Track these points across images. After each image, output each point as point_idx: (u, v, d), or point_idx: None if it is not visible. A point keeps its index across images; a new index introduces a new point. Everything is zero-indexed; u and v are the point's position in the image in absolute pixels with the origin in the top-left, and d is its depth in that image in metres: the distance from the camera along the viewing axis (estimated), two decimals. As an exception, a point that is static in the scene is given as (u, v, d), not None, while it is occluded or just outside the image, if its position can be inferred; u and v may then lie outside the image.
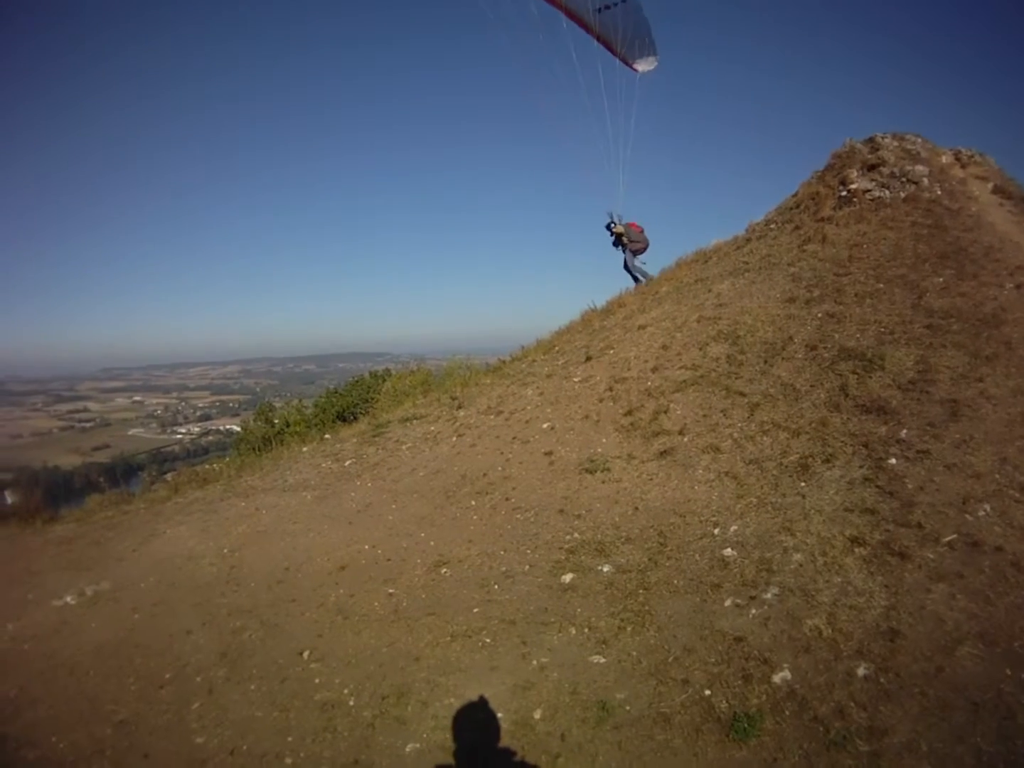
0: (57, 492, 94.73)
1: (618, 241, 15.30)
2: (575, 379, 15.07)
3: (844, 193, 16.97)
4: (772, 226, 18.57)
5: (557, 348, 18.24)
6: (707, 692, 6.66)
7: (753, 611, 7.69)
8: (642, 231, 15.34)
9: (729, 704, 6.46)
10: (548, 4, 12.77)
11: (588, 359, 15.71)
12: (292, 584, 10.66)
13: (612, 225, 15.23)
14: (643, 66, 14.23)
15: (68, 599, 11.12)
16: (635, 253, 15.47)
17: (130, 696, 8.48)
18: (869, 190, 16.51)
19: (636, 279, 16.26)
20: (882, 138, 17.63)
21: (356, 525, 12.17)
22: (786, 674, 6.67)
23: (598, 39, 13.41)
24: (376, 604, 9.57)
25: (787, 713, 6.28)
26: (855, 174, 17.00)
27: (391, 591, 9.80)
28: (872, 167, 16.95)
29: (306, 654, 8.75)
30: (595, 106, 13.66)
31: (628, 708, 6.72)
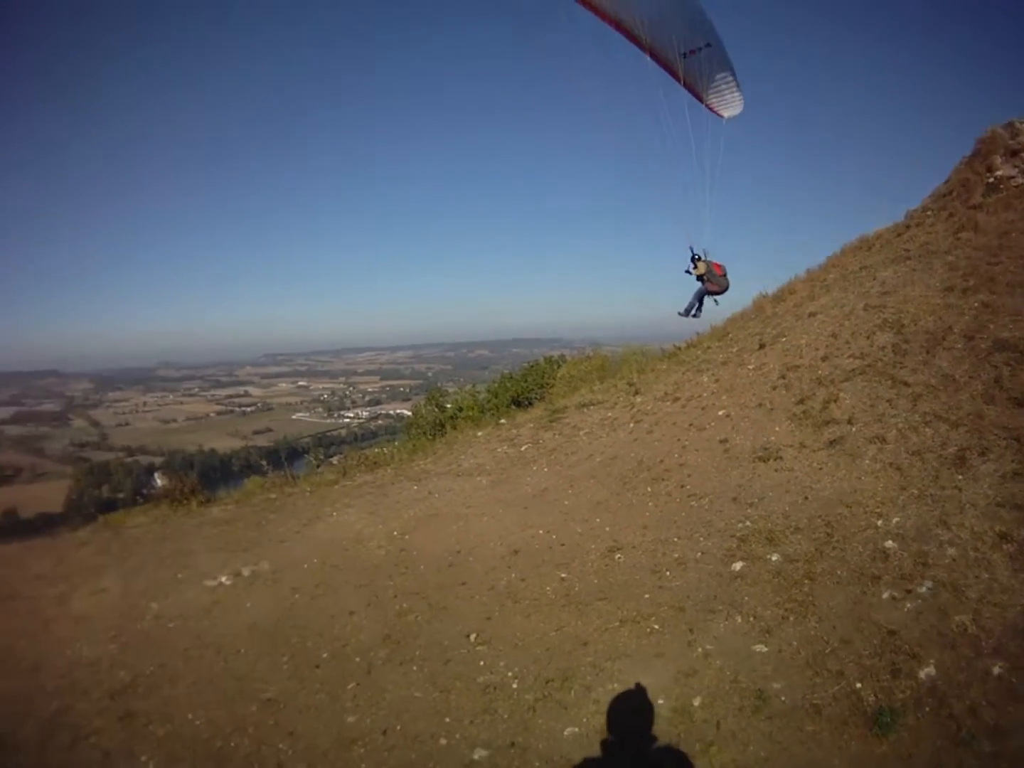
0: (214, 475, 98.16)
1: (699, 279, 14.96)
2: (749, 366, 15.19)
3: (991, 180, 16.62)
4: (928, 213, 18.29)
5: (731, 335, 18.38)
6: (858, 685, 6.71)
7: (908, 605, 7.68)
8: (724, 274, 14.68)
9: (876, 698, 6.50)
10: (634, 46, 12.63)
11: (761, 346, 15.82)
12: (463, 567, 10.84)
13: (695, 261, 14.77)
14: (729, 111, 14.04)
15: (222, 579, 11.45)
16: (711, 293, 14.97)
17: (281, 675, 8.73)
18: (1012, 176, 16.17)
19: (689, 310, 15.69)
20: (1020, 123, 17.07)
21: (531, 510, 12.42)
22: (931, 670, 6.67)
23: (683, 84, 13.28)
24: (548, 588, 9.71)
25: (927, 709, 6.29)
26: (999, 160, 16.68)
27: (564, 576, 9.95)
28: (1014, 153, 16.54)
29: (473, 636, 8.94)
30: (682, 151, 13.67)
31: (783, 698, 6.82)
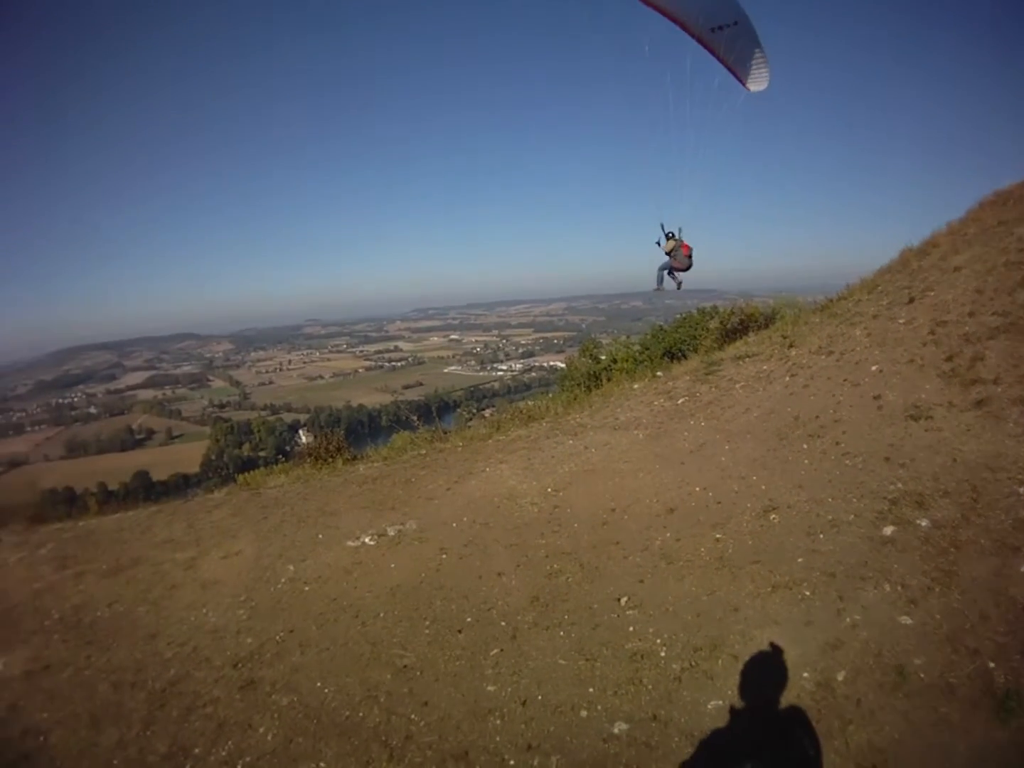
0: (361, 431, 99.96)
1: (667, 253, 15.99)
2: (900, 320, 15.07)
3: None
4: (1060, 167, 17.98)
5: (880, 288, 18.22)
6: (991, 664, 6.67)
7: (1045, 579, 7.54)
8: (689, 255, 15.95)
9: (1006, 679, 6.44)
10: (669, 19, 13.42)
11: (911, 300, 15.67)
12: (617, 526, 10.97)
13: (668, 237, 15.94)
14: (755, 86, 14.75)
15: (365, 539, 11.73)
16: (674, 270, 16.21)
17: (421, 640, 8.89)
18: None
19: (660, 279, 16.66)
20: None
21: (688, 466, 12.51)
22: (1062, 652, 6.57)
23: (714, 54, 14.03)
24: (702, 550, 9.81)
25: (1051, 693, 6.21)
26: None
27: (718, 536, 10.04)
28: None
29: (623, 600, 9.04)
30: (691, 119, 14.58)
31: (922, 675, 6.81)
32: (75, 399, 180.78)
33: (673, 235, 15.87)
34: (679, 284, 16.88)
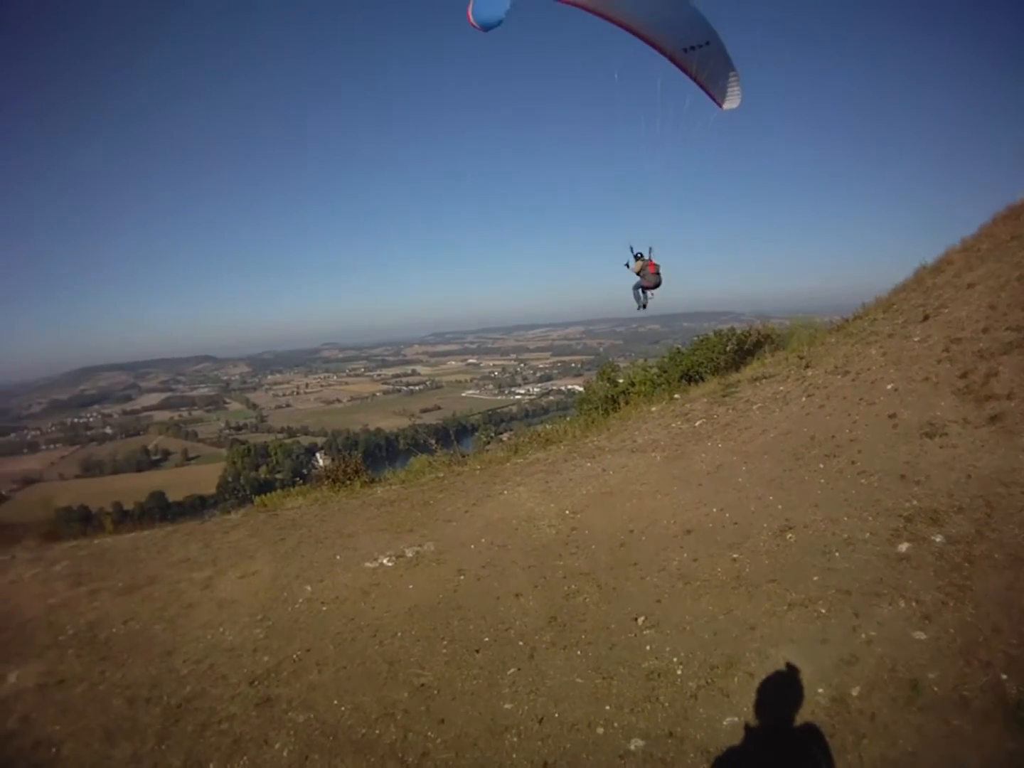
0: (379, 454, 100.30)
1: (637, 273, 16.60)
2: (914, 339, 15.19)
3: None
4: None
5: (895, 306, 18.38)
6: (1003, 676, 6.70)
7: (1055, 592, 7.59)
8: (657, 272, 16.48)
9: (1019, 691, 6.47)
10: (645, 44, 13.85)
11: (925, 318, 15.79)
12: (635, 547, 11.05)
13: (637, 258, 16.42)
14: (728, 104, 15.17)
15: (383, 560, 11.84)
16: (645, 288, 16.71)
17: (438, 660, 8.95)
18: None
19: (637, 298, 17.18)
20: None
21: (705, 487, 12.58)
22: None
23: (688, 74, 14.48)
24: (719, 570, 9.87)
25: (1060, 704, 6.25)
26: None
27: (735, 556, 10.11)
28: None
29: (641, 620, 9.10)
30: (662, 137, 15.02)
31: (936, 689, 6.83)
32: (90, 419, 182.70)
33: (641, 255, 16.33)
34: (645, 303, 17.29)
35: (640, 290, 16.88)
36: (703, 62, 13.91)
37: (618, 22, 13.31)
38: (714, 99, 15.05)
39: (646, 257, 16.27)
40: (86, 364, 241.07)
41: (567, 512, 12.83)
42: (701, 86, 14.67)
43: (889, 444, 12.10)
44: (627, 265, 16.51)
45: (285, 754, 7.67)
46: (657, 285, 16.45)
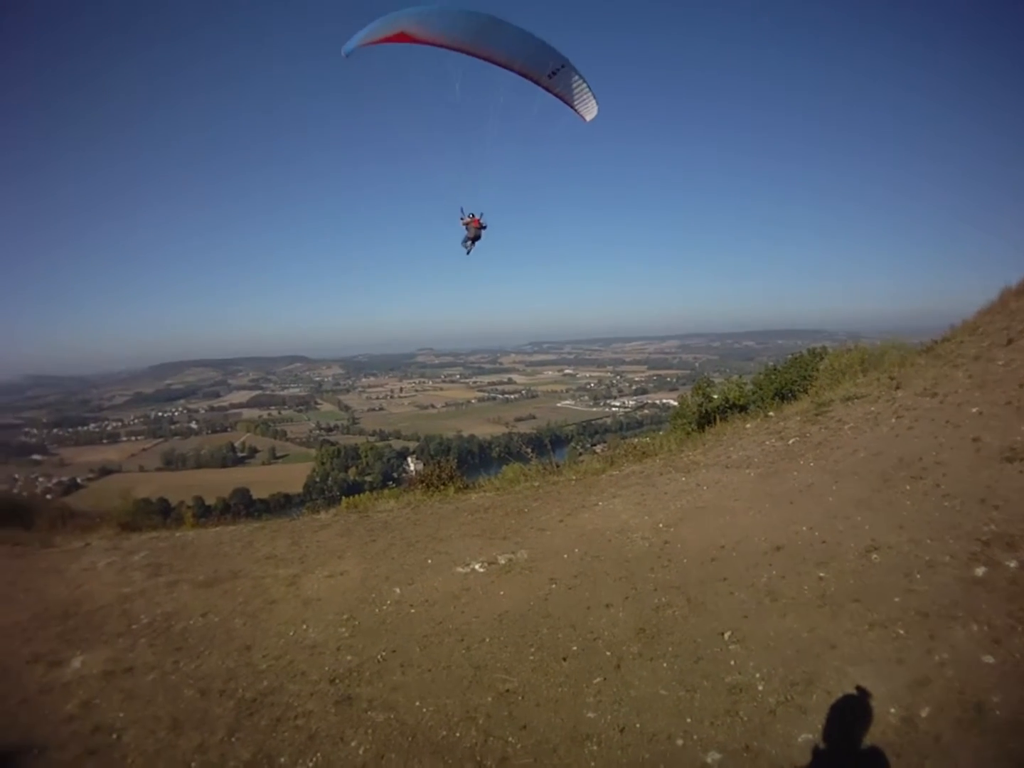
0: (471, 461, 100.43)
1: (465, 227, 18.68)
2: (999, 362, 15.38)
3: None
4: None
5: (980, 329, 18.44)
6: (1064, 703, 6.83)
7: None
8: (479, 227, 18.63)
9: (1074, 718, 6.62)
10: (511, 72, 15.98)
11: (1009, 342, 15.96)
12: (725, 562, 11.27)
13: (470, 217, 18.56)
14: (589, 114, 17.31)
15: (475, 566, 12.18)
16: (469, 239, 18.71)
17: (525, 666, 9.24)
18: None
19: (465, 247, 19.16)
20: None
21: (796, 505, 12.74)
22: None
23: (557, 96, 16.79)
24: (805, 588, 10.05)
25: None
26: None
27: (822, 575, 10.27)
28: None
29: (727, 635, 9.33)
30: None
31: (998, 712, 7.03)
32: (175, 413, 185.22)
33: (472, 216, 18.45)
34: (469, 250, 19.14)
35: (466, 241, 18.79)
36: (566, 81, 16.08)
37: (494, 61, 15.33)
38: (578, 112, 17.19)
39: (470, 214, 18.39)
40: (173, 359, 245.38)
41: (660, 525, 13.10)
42: (567, 103, 16.77)
43: (972, 468, 12.18)
44: (461, 219, 18.53)
45: (361, 752, 7.97)
46: (478, 237, 18.56)
